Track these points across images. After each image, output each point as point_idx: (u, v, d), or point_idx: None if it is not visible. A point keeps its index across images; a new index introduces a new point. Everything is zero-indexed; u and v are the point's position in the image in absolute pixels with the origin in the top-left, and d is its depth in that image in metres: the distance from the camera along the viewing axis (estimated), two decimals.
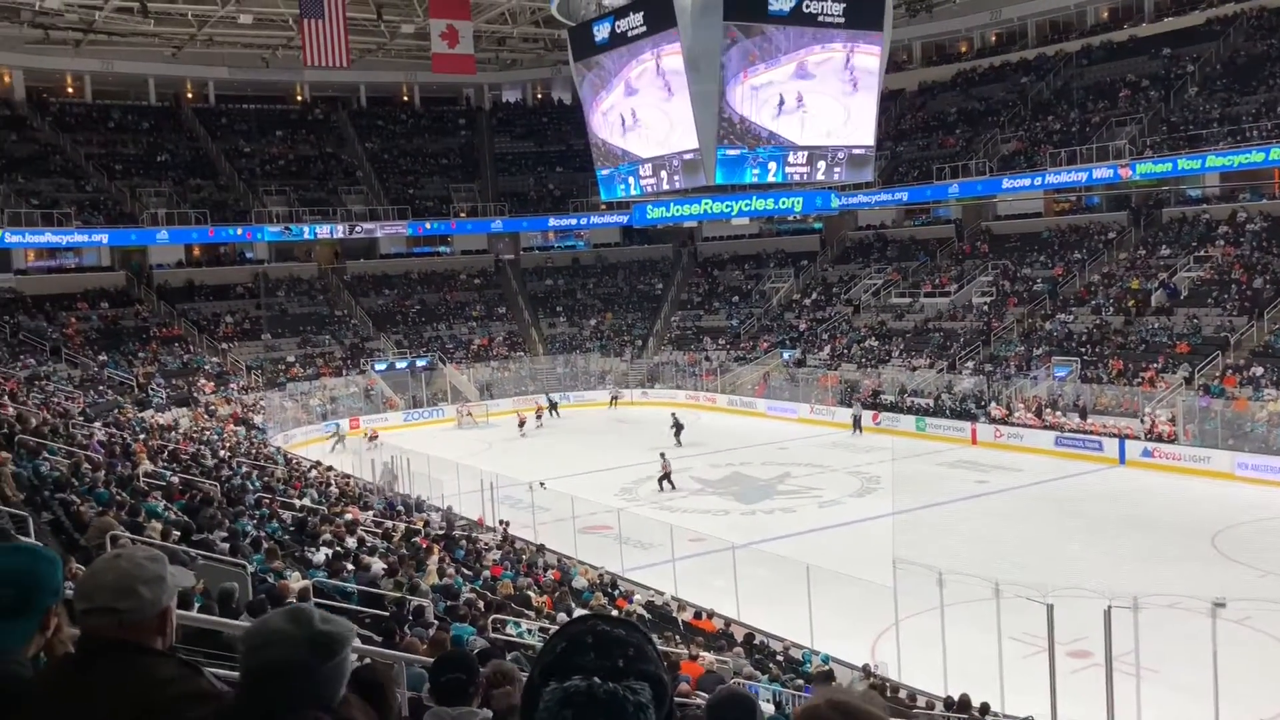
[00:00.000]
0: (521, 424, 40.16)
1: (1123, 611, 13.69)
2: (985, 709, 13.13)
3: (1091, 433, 31.45)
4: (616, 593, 18.59)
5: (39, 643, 2.29)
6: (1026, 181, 42.06)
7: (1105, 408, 32.55)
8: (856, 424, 36.93)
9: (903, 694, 14.16)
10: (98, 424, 24.30)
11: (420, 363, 46.21)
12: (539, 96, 61.29)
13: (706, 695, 9.69)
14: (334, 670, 1.92)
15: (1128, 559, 20.82)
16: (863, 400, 38.37)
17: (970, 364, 38.49)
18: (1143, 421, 30.57)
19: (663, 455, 29.71)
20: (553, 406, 43.03)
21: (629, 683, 1.42)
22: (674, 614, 17.80)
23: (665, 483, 28.99)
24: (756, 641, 16.59)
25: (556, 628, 1.87)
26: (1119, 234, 41.75)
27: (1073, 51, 47.12)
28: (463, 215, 52.25)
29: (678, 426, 35.98)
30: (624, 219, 49.69)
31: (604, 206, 47.98)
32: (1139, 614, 13.72)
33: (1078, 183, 41.01)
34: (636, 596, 18.39)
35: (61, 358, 38.73)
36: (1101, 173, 39.21)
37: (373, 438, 37.09)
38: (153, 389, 37.64)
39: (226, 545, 11.91)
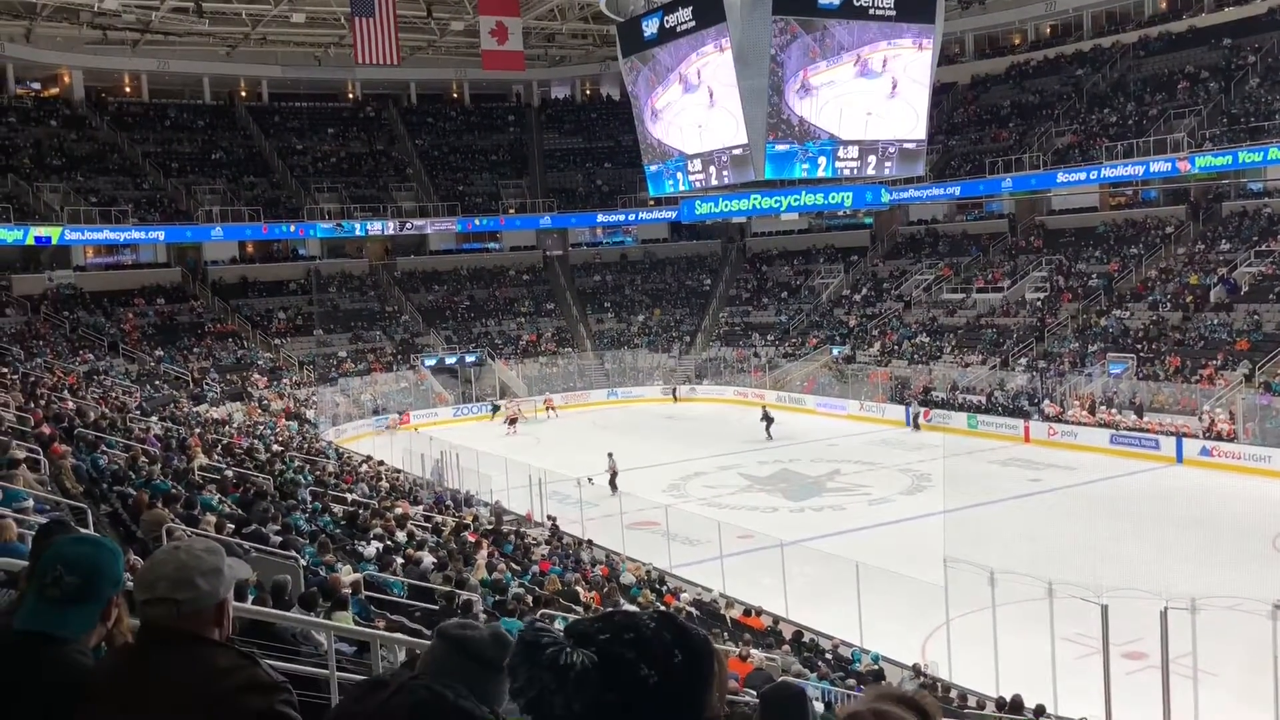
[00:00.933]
0: (512, 421, 40.41)
1: (1180, 613, 13.43)
2: (1040, 711, 12.95)
3: (1148, 431, 30.90)
4: (664, 589, 18.59)
5: (100, 633, 2.33)
6: (1081, 175, 41.39)
7: (1162, 405, 31.97)
8: (914, 420, 36.53)
9: (953, 694, 14.02)
10: (154, 418, 24.75)
11: (469, 358, 46.55)
12: (587, 93, 61.40)
13: (751, 692, 9.65)
14: (501, 678, 2.03)
15: (1185, 559, 20.42)
16: (917, 397, 37.99)
17: (1023, 360, 37.99)
18: (1201, 420, 29.98)
19: (610, 455, 28.62)
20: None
21: (580, 648, 1.49)
22: (722, 611, 17.77)
23: (611, 484, 27.82)
24: (805, 639, 16.50)
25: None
26: (1177, 228, 40.98)
27: (1129, 43, 46.28)
28: (512, 212, 52.49)
29: (768, 420, 36.16)
30: (672, 215, 49.54)
31: (652, 202, 47.91)
32: (1197, 616, 13.45)
33: (1134, 176, 40.26)
34: (684, 594, 18.37)
35: (119, 353, 39.49)
36: (1159, 166, 38.46)
37: (390, 426, 38.88)
38: (207, 384, 38.27)
39: (279, 538, 12.06)
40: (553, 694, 1.47)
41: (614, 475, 28.24)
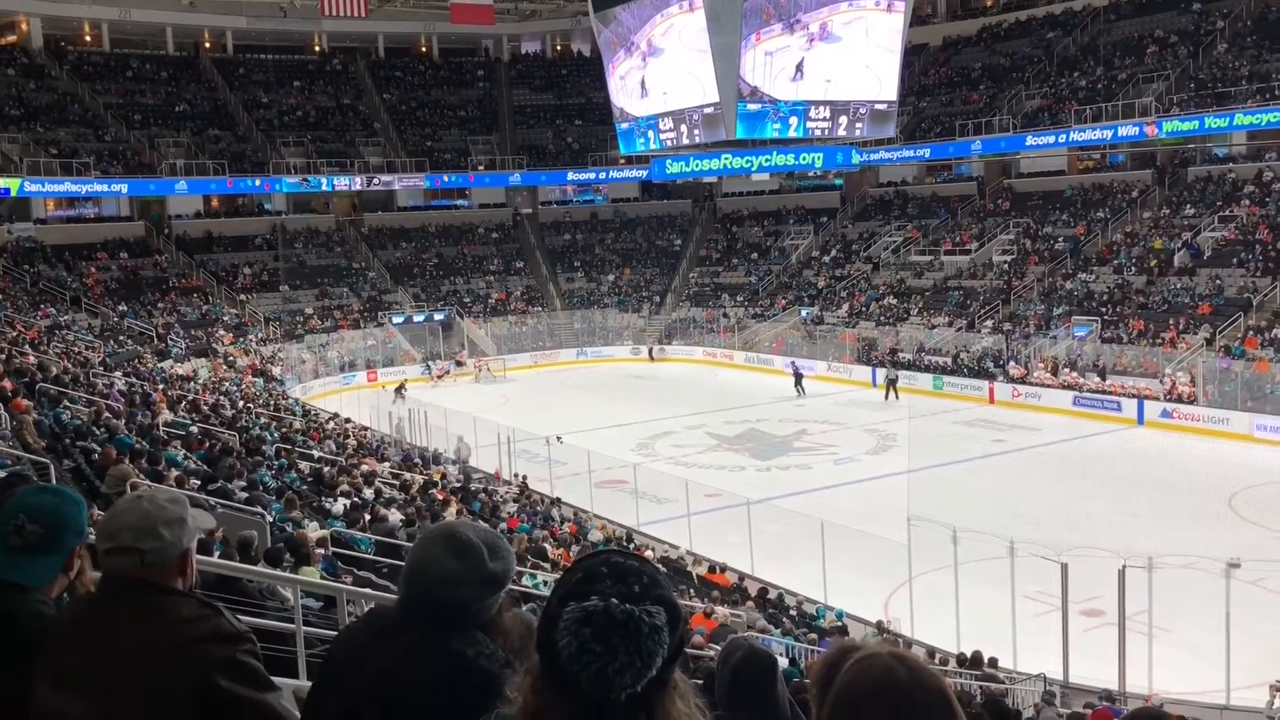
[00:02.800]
0: (440, 376, 41.05)
1: (1137, 571, 13.71)
2: (993, 663, 13.20)
3: (1110, 393, 31.31)
4: (631, 546, 18.71)
5: (63, 584, 2.33)
6: (1050, 139, 41.56)
7: (1125, 368, 32.38)
8: (891, 386, 35.02)
9: (915, 650, 14.24)
10: (118, 373, 24.47)
11: (438, 317, 46.29)
12: (558, 48, 60.75)
13: (716, 648, 9.77)
14: (496, 600, 2.06)
15: (1143, 519, 20.81)
16: (890, 360, 37.29)
17: (989, 323, 38.29)
18: (1162, 382, 30.40)
19: (461, 437, 26.55)
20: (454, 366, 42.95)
21: (645, 606, 1.50)
22: (688, 568, 17.92)
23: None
24: (770, 596, 16.69)
25: (572, 562, 1.97)
26: (1143, 193, 41.27)
27: (1100, 6, 46.32)
28: (481, 168, 52.04)
29: (797, 375, 36.70)
30: (643, 173, 49.47)
31: (623, 161, 47.75)
32: (1153, 574, 13.73)
33: (1102, 140, 40.50)
34: (650, 551, 18.50)
35: (81, 307, 38.96)
36: (1127, 130, 38.69)
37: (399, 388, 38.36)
38: (172, 339, 37.86)
39: (245, 494, 12.02)
40: (645, 662, 1.49)
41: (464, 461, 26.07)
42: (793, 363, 38.45)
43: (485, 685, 1.95)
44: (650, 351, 46.14)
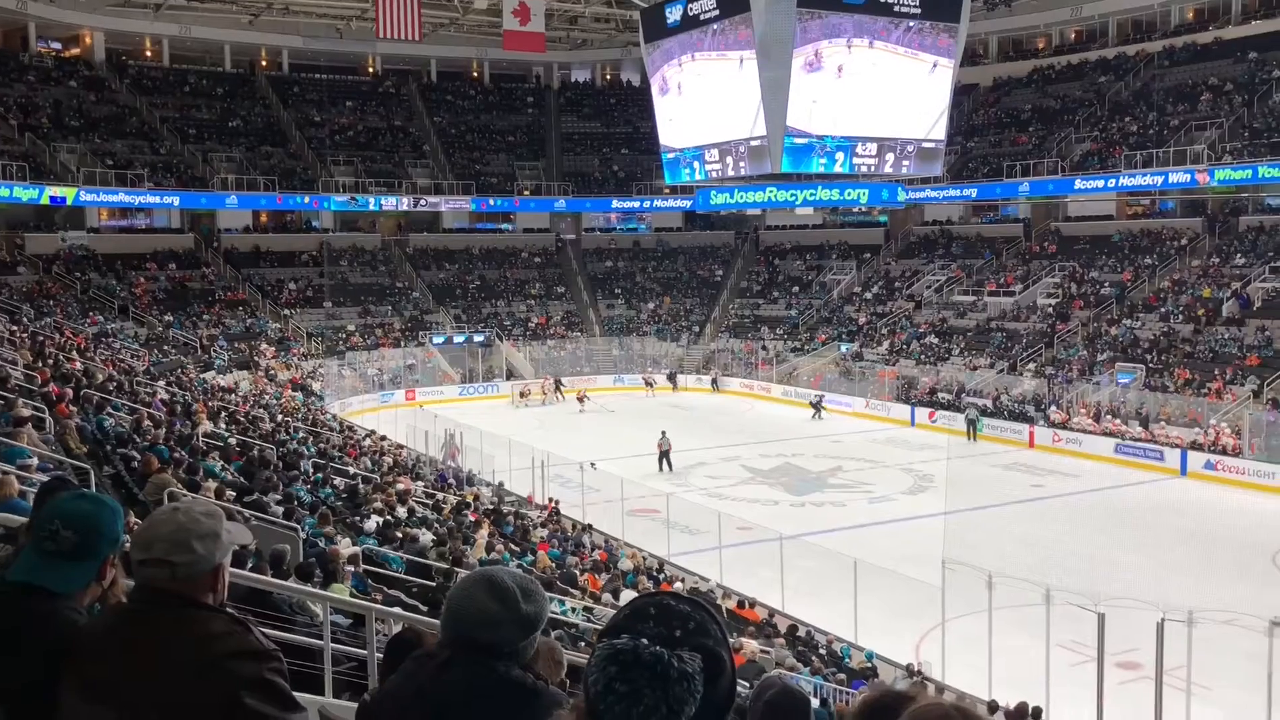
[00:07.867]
0: (581, 398, 42.00)
1: (1176, 625, 13.41)
2: (1037, 713, 12.93)
3: (1153, 442, 30.82)
4: (662, 577, 18.60)
5: (95, 592, 2.33)
6: (1099, 183, 41.21)
7: (1168, 417, 31.88)
8: (972, 427, 34.42)
9: (946, 695, 14.01)
10: (161, 383, 24.78)
11: (477, 338, 46.54)
12: (608, 77, 61.23)
13: (744, 683, 9.64)
14: (532, 642, 2.12)
15: (1184, 572, 20.39)
16: (970, 401, 36.27)
17: (1031, 366, 37.89)
18: (1206, 433, 29.89)
19: (663, 433, 30.20)
20: (557, 386, 44.01)
21: (680, 651, 1.45)
22: (718, 601, 17.76)
23: (664, 462, 29.47)
24: (800, 633, 16.51)
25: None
26: (1192, 240, 40.79)
27: (1154, 52, 46.01)
28: (526, 193, 52.44)
29: (816, 407, 38.52)
30: (687, 203, 49.55)
31: (667, 190, 47.90)
32: (1193, 629, 13.43)
33: (1152, 186, 40.10)
34: (680, 582, 18.37)
35: (129, 316, 39.57)
36: (1178, 177, 38.29)
37: (581, 399, 41.35)
38: (215, 351, 38.33)
39: (280, 508, 12.08)
40: (672, 709, 1.44)
41: (665, 453, 29.50)
42: (815, 400, 39.48)
43: (522, 697, 2.00)
44: (714, 381, 45.69)
